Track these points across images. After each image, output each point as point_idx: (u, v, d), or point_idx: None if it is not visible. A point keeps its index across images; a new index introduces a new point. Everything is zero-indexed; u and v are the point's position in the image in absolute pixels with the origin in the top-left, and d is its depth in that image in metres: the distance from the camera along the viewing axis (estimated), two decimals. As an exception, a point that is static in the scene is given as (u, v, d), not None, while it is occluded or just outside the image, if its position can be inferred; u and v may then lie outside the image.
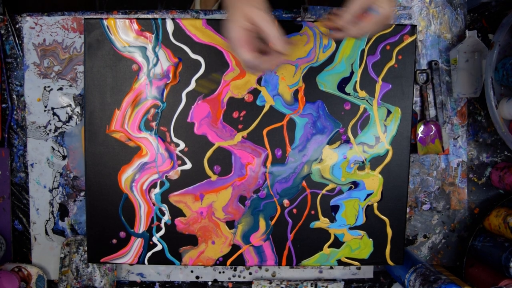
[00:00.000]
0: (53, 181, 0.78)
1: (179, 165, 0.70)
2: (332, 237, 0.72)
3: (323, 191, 0.71)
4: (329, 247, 0.72)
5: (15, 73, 0.77)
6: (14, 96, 0.77)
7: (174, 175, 0.70)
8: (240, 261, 0.72)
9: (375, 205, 0.71)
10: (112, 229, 0.70)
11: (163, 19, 0.68)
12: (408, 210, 0.79)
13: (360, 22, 0.51)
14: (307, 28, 0.68)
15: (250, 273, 0.81)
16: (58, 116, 0.77)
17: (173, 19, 0.68)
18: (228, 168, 0.70)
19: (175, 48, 0.68)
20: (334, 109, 0.70)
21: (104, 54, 0.68)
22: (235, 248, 0.72)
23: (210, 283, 0.81)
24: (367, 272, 0.81)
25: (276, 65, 0.49)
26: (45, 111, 0.77)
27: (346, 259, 0.72)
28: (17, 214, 0.79)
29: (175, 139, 0.69)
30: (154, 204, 0.70)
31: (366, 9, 0.52)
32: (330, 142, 0.70)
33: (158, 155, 0.69)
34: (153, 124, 0.69)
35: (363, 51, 0.69)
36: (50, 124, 0.77)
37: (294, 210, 0.71)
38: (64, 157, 0.78)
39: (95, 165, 0.69)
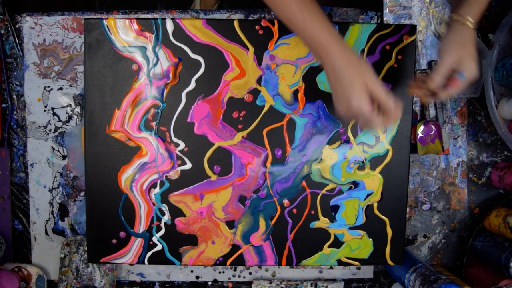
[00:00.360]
0: (53, 181, 0.78)
1: (179, 165, 0.70)
2: (332, 237, 0.72)
3: (323, 191, 0.71)
4: (329, 247, 0.72)
5: (15, 73, 0.77)
6: (14, 96, 0.77)
7: (174, 175, 0.70)
8: (240, 261, 0.72)
9: (375, 205, 0.71)
10: (112, 229, 0.70)
11: (163, 19, 0.68)
12: (408, 210, 0.79)
13: (448, 86, 0.57)
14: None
15: (250, 273, 0.81)
16: (58, 116, 0.77)
17: (173, 19, 0.68)
18: (228, 168, 0.70)
19: (175, 48, 0.68)
20: (334, 109, 0.69)
21: (104, 54, 0.68)
22: (235, 248, 0.72)
23: (210, 283, 0.81)
24: (367, 272, 0.81)
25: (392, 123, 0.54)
26: (45, 111, 0.77)
27: (346, 259, 0.72)
28: (17, 214, 0.79)
29: (175, 139, 0.69)
30: (154, 204, 0.70)
31: (453, 71, 0.56)
32: (330, 142, 0.70)
33: (158, 155, 0.69)
34: (153, 124, 0.69)
35: (363, 51, 0.69)
36: (50, 124, 0.77)
37: (294, 210, 0.71)
38: (64, 157, 0.78)
39: (95, 165, 0.69)
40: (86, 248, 0.75)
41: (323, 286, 0.79)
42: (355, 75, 0.50)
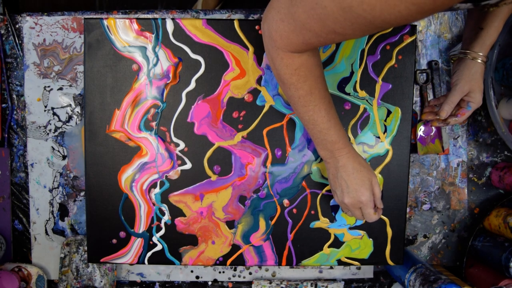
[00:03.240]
0: (53, 181, 0.78)
1: (179, 165, 0.70)
2: (332, 237, 0.72)
3: (323, 191, 0.71)
4: (329, 247, 0.72)
5: (15, 73, 0.77)
6: (14, 96, 0.77)
7: (174, 175, 0.70)
8: (240, 261, 0.72)
9: (375, 205, 0.71)
10: (112, 229, 0.70)
11: (163, 19, 0.68)
12: (408, 210, 0.79)
13: (457, 114, 0.67)
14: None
15: (250, 273, 0.81)
16: (58, 116, 0.77)
17: (173, 19, 0.68)
18: (228, 168, 0.70)
19: (175, 48, 0.68)
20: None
21: (104, 54, 0.68)
22: (235, 248, 0.72)
23: (210, 283, 0.81)
24: (367, 272, 0.81)
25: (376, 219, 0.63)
26: (45, 111, 0.77)
27: (346, 259, 0.72)
28: (17, 214, 0.79)
29: (175, 139, 0.69)
30: (154, 204, 0.70)
31: (462, 100, 0.66)
32: (330, 142, 0.70)
33: (158, 155, 0.69)
34: (153, 124, 0.69)
35: (363, 51, 0.69)
36: (50, 124, 0.77)
37: (294, 210, 0.71)
38: (64, 157, 0.78)
39: (95, 165, 0.69)
40: (86, 248, 0.75)
41: (323, 286, 0.79)
42: (367, 176, 0.59)
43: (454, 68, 0.67)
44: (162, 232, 0.71)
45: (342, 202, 0.61)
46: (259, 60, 0.69)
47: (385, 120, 0.70)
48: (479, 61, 0.64)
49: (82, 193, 0.78)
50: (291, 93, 0.54)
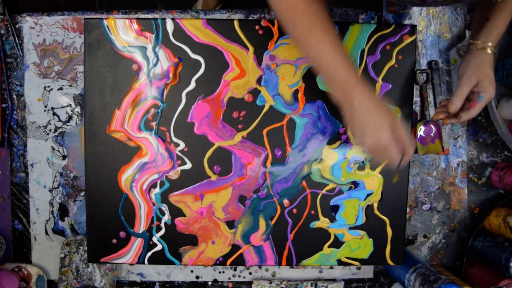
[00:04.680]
0: (53, 181, 0.78)
1: (179, 165, 0.70)
2: (332, 237, 0.72)
3: (323, 191, 0.71)
4: (329, 247, 0.72)
5: (15, 73, 0.77)
6: (14, 96, 0.77)
7: (174, 175, 0.70)
8: (240, 261, 0.72)
9: (375, 205, 0.71)
10: (112, 229, 0.70)
11: (163, 19, 0.68)
12: (408, 210, 0.79)
13: (470, 107, 0.62)
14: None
15: (250, 273, 0.81)
16: (58, 116, 0.77)
17: (173, 19, 0.68)
18: (228, 168, 0.70)
19: (175, 48, 0.68)
20: (334, 109, 0.70)
21: (104, 54, 0.68)
22: (235, 248, 0.72)
23: (210, 283, 0.81)
24: (367, 272, 0.81)
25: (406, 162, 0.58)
26: (45, 111, 0.77)
27: (346, 259, 0.72)
28: (17, 214, 0.79)
29: (175, 139, 0.69)
30: (154, 204, 0.70)
31: (472, 93, 0.62)
32: (330, 142, 0.70)
33: (158, 155, 0.69)
34: (153, 124, 0.69)
35: (363, 51, 0.69)
36: (50, 124, 0.77)
37: (294, 210, 0.71)
38: (64, 157, 0.78)
39: (95, 165, 0.69)
40: (86, 248, 0.75)
41: (323, 286, 0.79)
42: (385, 116, 0.55)
43: (461, 61, 0.64)
44: (162, 232, 0.71)
45: (363, 144, 0.57)
46: (259, 60, 0.69)
47: (385, 120, 0.70)
48: (487, 51, 0.60)
49: (82, 193, 0.78)
50: (291, 30, 0.53)
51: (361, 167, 0.71)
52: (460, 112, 0.62)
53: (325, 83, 0.55)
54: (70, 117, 0.77)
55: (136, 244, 0.71)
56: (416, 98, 0.78)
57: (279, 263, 0.72)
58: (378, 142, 0.55)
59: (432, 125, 0.77)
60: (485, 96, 0.61)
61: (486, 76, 0.60)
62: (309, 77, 0.69)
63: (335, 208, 0.71)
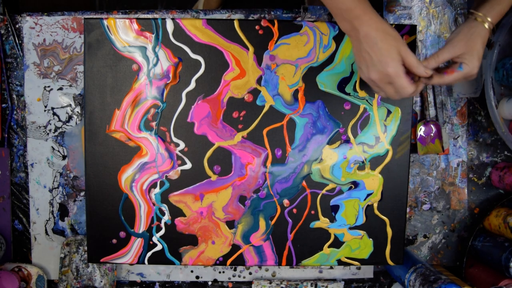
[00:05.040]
0: (53, 181, 0.78)
1: (179, 165, 0.70)
2: (332, 237, 0.72)
3: (323, 191, 0.71)
4: (329, 247, 0.72)
5: (15, 73, 0.77)
6: (14, 96, 0.77)
7: (174, 175, 0.70)
8: (240, 261, 0.72)
9: (375, 205, 0.71)
10: (112, 229, 0.70)
11: (163, 19, 0.68)
12: (408, 210, 0.79)
13: (445, 73, 0.56)
14: (307, 28, 0.68)
15: (250, 273, 0.81)
16: (58, 116, 0.77)
17: (173, 19, 0.68)
18: (228, 168, 0.70)
19: (175, 48, 0.68)
20: (334, 109, 0.70)
21: (104, 54, 0.68)
22: (235, 248, 0.72)
23: (210, 283, 0.81)
24: (367, 272, 0.81)
25: (419, 91, 0.55)
26: (45, 111, 0.77)
27: (346, 259, 0.72)
28: (17, 214, 0.79)
29: (175, 139, 0.69)
30: (154, 204, 0.70)
31: (452, 62, 0.57)
32: (330, 142, 0.70)
33: (158, 155, 0.69)
34: (153, 124, 0.69)
35: (363, 51, 0.69)
36: (50, 124, 0.77)
37: (294, 210, 0.71)
38: (64, 157, 0.78)
39: (95, 165, 0.69)
40: (86, 248, 0.75)
41: (323, 286, 0.79)
42: (394, 44, 0.51)
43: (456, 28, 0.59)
44: (162, 232, 0.71)
45: (369, 79, 0.54)
46: (259, 60, 0.69)
47: (385, 120, 0.70)
48: (484, 25, 0.56)
49: (82, 193, 0.78)
50: None
51: (361, 167, 0.71)
52: (435, 73, 0.57)
53: (332, 13, 0.53)
54: (70, 117, 0.77)
55: (136, 244, 0.71)
56: (416, 98, 0.78)
57: (279, 263, 0.72)
58: (385, 72, 0.51)
59: (432, 125, 0.77)
60: (466, 69, 0.56)
61: (474, 49, 0.56)
62: (309, 77, 0.69)
63: (335, 208, 0.71)
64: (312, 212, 0.71)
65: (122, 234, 0.71)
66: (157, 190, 0.70)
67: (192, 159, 0.70)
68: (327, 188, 0.71)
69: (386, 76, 0.52)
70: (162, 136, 0.69)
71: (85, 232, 0.79)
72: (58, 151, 0.78)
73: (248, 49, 0.68)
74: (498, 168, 0.78)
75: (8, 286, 0.72)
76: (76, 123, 0.77)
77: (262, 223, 0.71)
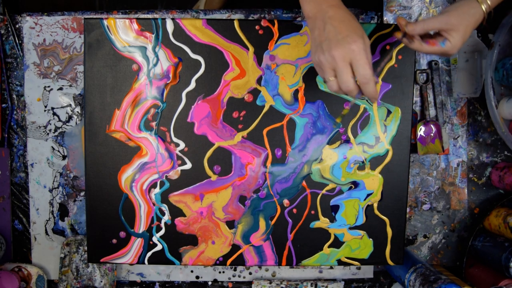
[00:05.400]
0: (53, 181, 0.78)
1: (179, 165, 0.70)
2: (332, 237, 0.72)
3: (323, 191, 0.71)
4: (329, 247, 0.72)
5: (15, 73, 0.77)
6: (14, 96, 0.77)
7: (174, 175, 0.70)
8: (240, 261, 0.72)
9: (375, 205, 0.71)
10: (112, 229, 0.70)
11: (163, 19, 0.68)
12: (408, 210, 0.79)
13: (426, 43, 0.55)
14: (307, 28, 0.68)
15: (250, 273, 0.81)
16: (58, 116, 0.77)
17: (173, 19, 0.68)
18: (228, 168, 0.70)
19: (175, 48, 0.68)
20: (334, 109, 0.70)
21: (104, 54, 0.68)
22: (235, 248, 0.72)
23: (210, 283, 0.81)
24: (367, 272, 0.81)
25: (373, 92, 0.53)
26: (45, 111, 0.77)
27: (346, 259, 0.72)
28: (17, 214, 0.79)
29: (175, 139, 0.69)
30: (154, 204, 0.70)
31: (438, 35, 0.56)
32: (330, 142, 0.70)
33: (158, 155, 0.69)
34: (153, 124, 0.69)
35: (363, 51, 0.69)
36: (50, 124, 0.77)
37: (294, 210, 0.71)
38: (64, 157, 0.78)
39: (95, 165, 0.69)
40: (86, 248, 0.75)
41: (323, 286, 0.79)
42: (359, 28, 0.51)
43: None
44: (162, 232, 0.71)
45: (330, 54, 0.50)
46: (259, 60, 0.69)
47: (385, 120, 0.70)
48: (482, 6, 0.55)
49: (82, 193, 0.78)
50: None
51: (361, 167, 0.71)
52: (417, 38, 0.56)
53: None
54: (70, 117, 0.77)
55: (136, 244, 0.71)
56: (416, 98, 0.78)
57: (279, 263, 0.72)
58: (349, 47, 0.49)
59: (432, 125, 0.77)
60: (448, 46, 0.55)
61: (463, 28, 0.54)
62: (309, 77, 0.69)
63: (335, 208, 0.71)
64: (312, 212, 0.71)
65: (122, 234, 0.71)
66: (157, 190, 0.70)
67: (192, 159, 0.70)
68: (327, 188, 0.71)
69: (349, 52, 0.50)
70: (162, 136, 0.69)
71: (85, 232, 0.79)
72: (58, 151, 0.78)
73: (248, 49, 0.68)
74: (498, 168, 0.78)
75: (8, 286, 0.72)
76: (76, 123, 0.77)
77: (262, 223, 0.71)
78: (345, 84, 0.51)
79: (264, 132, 0.70)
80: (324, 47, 0.51)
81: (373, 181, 0.71)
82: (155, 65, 0.68)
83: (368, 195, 0.71)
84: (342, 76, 0.51)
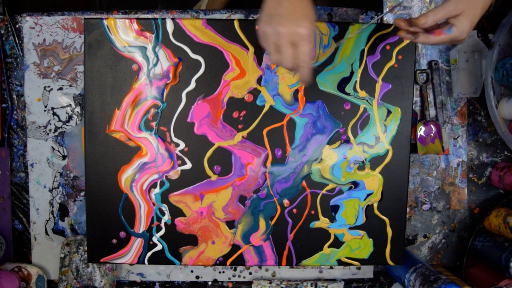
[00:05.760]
0: (53, 181, 0.78)
1: (179, 165, 0.70)
2: (332, 237, 0.72)
3: (323, 191, 0.71)
4: (329, 247, 0.72)
5: (15, 73, 0.77)
6: (14, 96, 0.77)
7: (174, 175, 0.70)
8: (240, 261, 0.72)
9: (375, 205, 0.71)
10: (112, 229, 0.70)
11: (163, 19, 0.68)
12: (408, 210, 0.79)
13: (432, 33, 0.54)
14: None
15: (250, 273, 0.81)
16: (58, 116, 0.77)
17: (173, 19, 0.68)
18: (228, 168, 0.70)
19: (175, 48, 0.68)
20: (334, 109, 0.70)
21: (104, 54, 0.68)
22: (235, 248, 0.72)
23: (210, 283, 0.81)
24: (367, 272, 0.81)
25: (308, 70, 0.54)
26: (45, 111, 0.77)
27: (346, 259, 0.72)
28: (17, 214, 0.79)
29: (175, 139, 0.69)
30: (154, 204, 0.70)
31: (444, 23, 0.55)
32: (330, 142, 0.70)
33: (158, 155, 0.69)
34: (153, 124, 0.69)
35: (363, 51, 0.69)
36: (50, 124, 0.77)
37: (294, 210, 0.71)
38: (64, 157, 0.78)
39: (95, 165, 0.69)
40: (86, 248, 0.75)
41: (323, 286, 0.79)
42: (312, 14, 0.52)
43: None
44: (162, 232, 0.71)
45: (277, 30, 0.51)
46: (259, 60, 0.69)
47: (385, 120, 0.70)
48: None
49: (82, 193, 0.78)
50: None
51: (361, 167, 0.71)
52: (422, 32, 0.55)
53: None
54: (70, 117, 0.77)
55: (136, 244, 0.71)
56: (416, 98, 0.78)
57: (279, 263, 0.72)
58: (295, 31, 0.51)
59: (432, 125, 0.77)
60: (455, 32, 0.53)
61: (471, 12, 0.53)
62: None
63: (335, 208, 0.71)
64: (312, 212, 0.71)
65: (122, 234, 0.71)
66: (157, 190, 0.70)
67: (192, 159, 0.70)
68: (327, 188, 0.71)
69: (295, 34, 0.51)
70: (162, 136, 0.69)
71: (85, 232, 0.79)
72: (58, 151, 0.78)
73: (248, 49, 0.68)
74: (498, 168, 0.78)
75: (8, 286, 0.72)
76: (76, 123, 0.77)
77: (262, 223, 0.71)
78: (284, 62, 0.53)
79: (264, 132, 0.70)
80: (274, 21, 0.52)
81: (373, 181, 0.71)
82: (155, 65, 0.68)
83: (368, 195, 0.71)
84: (283, 54, 0.52)
